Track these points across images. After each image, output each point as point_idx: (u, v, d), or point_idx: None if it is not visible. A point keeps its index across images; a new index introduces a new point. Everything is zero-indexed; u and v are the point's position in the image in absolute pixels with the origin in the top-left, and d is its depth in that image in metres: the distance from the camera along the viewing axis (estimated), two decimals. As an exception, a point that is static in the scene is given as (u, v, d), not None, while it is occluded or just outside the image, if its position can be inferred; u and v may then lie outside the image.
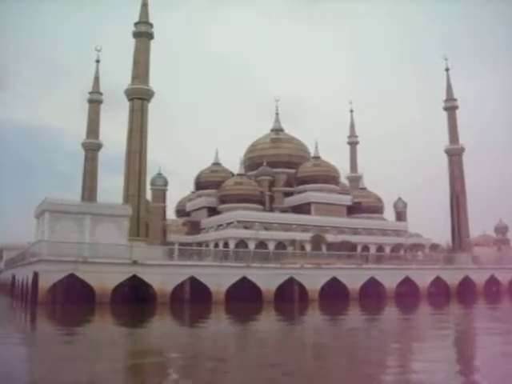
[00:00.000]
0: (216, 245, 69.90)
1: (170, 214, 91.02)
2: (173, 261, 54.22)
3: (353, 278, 61.39)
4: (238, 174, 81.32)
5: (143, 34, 62.83)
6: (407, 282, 65.94)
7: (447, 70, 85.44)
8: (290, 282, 58.49)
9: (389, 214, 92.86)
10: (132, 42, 63.28)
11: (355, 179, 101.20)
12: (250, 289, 56.84)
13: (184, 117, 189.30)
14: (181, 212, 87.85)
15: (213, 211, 78.71)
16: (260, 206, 76.68)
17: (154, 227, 74.46)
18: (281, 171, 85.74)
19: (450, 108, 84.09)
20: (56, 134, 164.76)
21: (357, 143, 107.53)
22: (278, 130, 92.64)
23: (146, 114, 62.04)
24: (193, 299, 53.93)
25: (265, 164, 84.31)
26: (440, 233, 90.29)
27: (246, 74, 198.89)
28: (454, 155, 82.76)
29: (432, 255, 75.88)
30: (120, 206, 53.42)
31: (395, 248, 75.00)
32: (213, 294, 54.19)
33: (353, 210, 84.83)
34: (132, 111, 62.89)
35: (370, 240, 75.77)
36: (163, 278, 52.26)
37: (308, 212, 77.67)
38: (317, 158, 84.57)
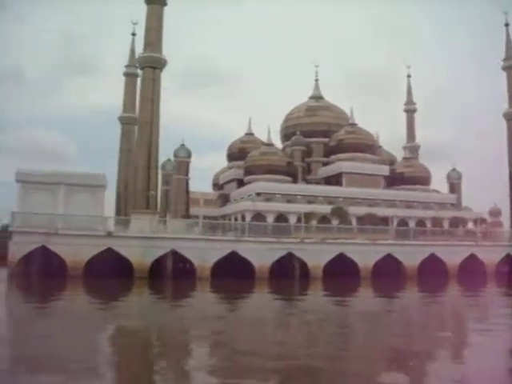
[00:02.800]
0: (235, 218, 64.25)
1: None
2: (152, 233, 48.50)
3: (365, 254, 55.07)
4: (266, 144, 74.91)
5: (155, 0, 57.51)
6: (435, 261, 57.90)
7: (507, 25, 72.91)
8: (290, 257, 53.14)
9: (443, 186, 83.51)
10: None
11: (413, 149, 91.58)
12: (242, 264, 50.68)
13: (251, 91, 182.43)
14: (216, 185, 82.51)
15: (241, 183, 73.27)
16: (287, 178, 71.00)
17: (176, 200, 69.47)
18: (317, 141, 78.70)
19: (510, 67, 71.36)
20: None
21: (414, 111, 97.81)
22: (316, 97, 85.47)
23: (159, 83, 57.33)
24: (175, 275, 49.06)
25: (298, 133, 77.47)
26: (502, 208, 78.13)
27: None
28: (514, 120, 70.50)
29: (469, 230, 65.30)
30: (95, 176, 48.83)
31: (435, 222, 64.81)
32: (197, 269, 48.88)
33: (395, 181, 76.64)
34: (143, 80, 57.89)
35: (406, 213, 67.94)
36: (141, 251, 47.24)
37: (340, 183, 69.74)
38: (353, 125, 76.37)
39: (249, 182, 71.58)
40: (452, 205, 75.62)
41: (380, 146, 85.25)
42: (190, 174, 73.68)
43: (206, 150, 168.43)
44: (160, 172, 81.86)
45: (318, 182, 75.20)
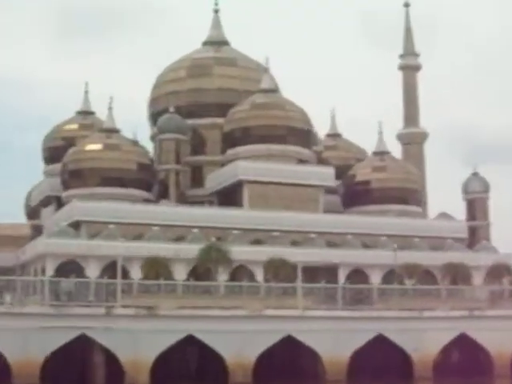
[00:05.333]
0: (35, 271, 61.92)
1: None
2: None
3: (243, 339, 52.35)
4: (104, 131, 72.16)
5: None
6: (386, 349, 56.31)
7: None
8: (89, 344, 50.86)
9: (454, 205, 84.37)
10: None
11: (413, 138, 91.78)
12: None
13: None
14: (30, 209, 79.32)
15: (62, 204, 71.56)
16: (141, 193, 69.78)
17: None
18: (212, 123, 76.70)
19: None
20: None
21: (416, 68, 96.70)
22: (215, 42, 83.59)
23: None
24: None
25: (172, 110, 74.40)
26: None
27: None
28: None
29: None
30: None
31: (411, 272, 63.89)
32: None
33: (355, 196, 76.61)
34: None
35: (362, 258, 66.02)
36: None
37: (239, 202, 68.88)
38: (267, 92, 74.31)
39: (67, 202, 68.93)
40: (458, 240, 73.74)
41: (337, 134, 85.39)
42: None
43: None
44: None
45: (210, 201, 73.48)
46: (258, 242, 65.03)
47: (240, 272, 61.59)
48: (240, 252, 59.90)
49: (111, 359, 49.50)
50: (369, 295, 58.42)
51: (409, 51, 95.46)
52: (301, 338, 52.82)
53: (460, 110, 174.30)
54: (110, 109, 73.19)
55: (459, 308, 58.92)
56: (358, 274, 65.44)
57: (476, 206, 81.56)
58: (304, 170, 71.29)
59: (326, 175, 71.71)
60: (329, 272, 63.57)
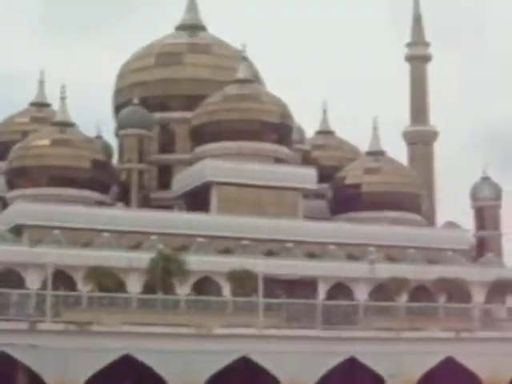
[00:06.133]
0: None
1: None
2: None
3: (187, 360, 51.21)
4: (56, 124, 71.29)
5: None
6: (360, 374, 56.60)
7: None
8: (9, 361, 49.05)
9: (461, 212, 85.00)
10: None
11: (419, 137, 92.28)
12: None
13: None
14: None
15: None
16: (94, 195, 69.20)
17: None
18: (180, 117, 76.99)
19: None
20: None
21: (426, 59, 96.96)
22: (188, 26, 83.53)
23: None
24: None
25: (136, 102, 74.49)
26: None
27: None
28: None
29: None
30: None
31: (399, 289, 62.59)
32: None
33: (344, 201, 76.16)
34: None
35: (345, 271, 64.64)
36: None
37: (206, 206, 68.51)
38: (243, 82, 73.47)
39: (11, 204, 68.28)
40: (462, 253, 72.91)
41: (329, 132, 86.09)
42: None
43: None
44: None
45: (179, 205, 73.21)
46: (226, 251, 64.31)
47: (204, 285, 60.44)
48: (204, 262, 59.29)
49: (36, 381, 48.61)
50: (342, 313, 57.05)
51: (417, 40, 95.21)
52: (259, 360, 51.97)
53: (484, 106, 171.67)
54: (63, 99, 72.40)
55: (446, 329, 58.09)
56: (340, 289, 64.30)
57: (485, 215, 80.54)
58: (281, 170, 70.79)
59: (306, 177, 71.11)
60: (308, 286, 62.45)
